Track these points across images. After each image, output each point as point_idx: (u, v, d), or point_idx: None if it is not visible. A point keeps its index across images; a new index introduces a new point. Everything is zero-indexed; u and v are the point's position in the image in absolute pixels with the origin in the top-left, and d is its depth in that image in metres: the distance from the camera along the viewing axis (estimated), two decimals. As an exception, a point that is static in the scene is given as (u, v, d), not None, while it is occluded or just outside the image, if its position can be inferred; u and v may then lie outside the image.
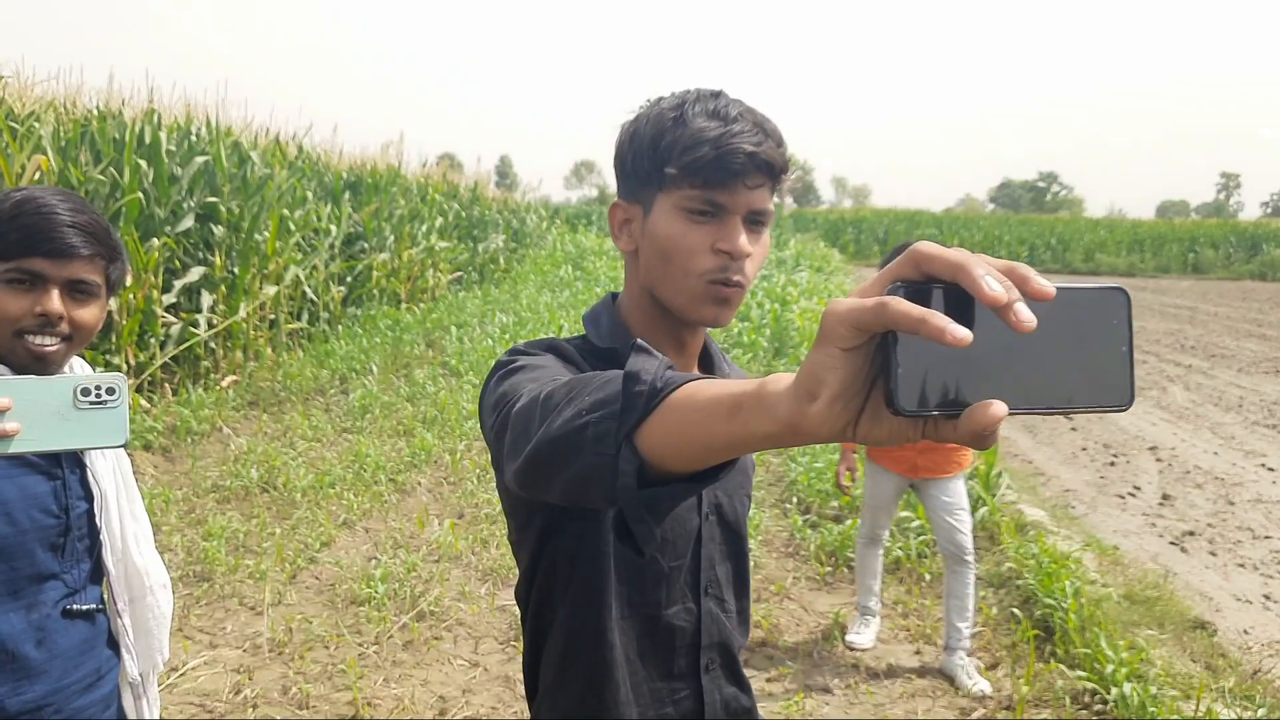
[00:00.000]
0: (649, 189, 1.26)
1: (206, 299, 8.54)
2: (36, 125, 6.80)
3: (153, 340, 7.69)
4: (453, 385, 8.88)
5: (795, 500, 6.03)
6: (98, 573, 1.60)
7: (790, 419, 0.63)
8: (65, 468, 1.54)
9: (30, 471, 1.49)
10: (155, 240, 7.68)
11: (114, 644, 1.63)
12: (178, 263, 8.42)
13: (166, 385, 8.00)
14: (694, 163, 1.20)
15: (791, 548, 5.39)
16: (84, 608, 1.55)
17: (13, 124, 6.63)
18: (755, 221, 1.25)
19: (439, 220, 15.86)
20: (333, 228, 11.49)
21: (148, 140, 8.09)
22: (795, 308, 13.11)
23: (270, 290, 9.50)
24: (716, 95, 1.26)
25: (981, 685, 3.92)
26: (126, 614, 1.63)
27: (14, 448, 1.11)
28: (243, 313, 8.98)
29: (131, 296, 7.28)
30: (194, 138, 9.02)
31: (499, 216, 20.99)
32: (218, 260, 8.71)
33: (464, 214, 18.05)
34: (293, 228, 10.24)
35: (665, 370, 0.81)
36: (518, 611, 3.98)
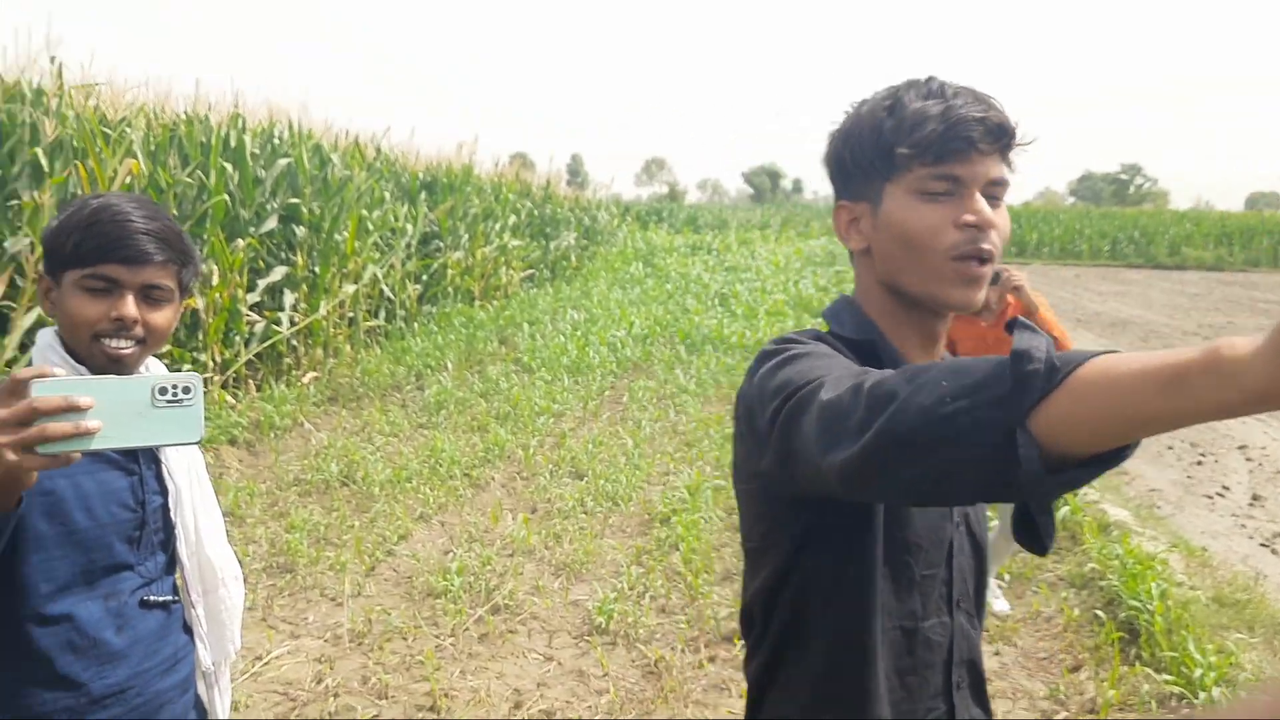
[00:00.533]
0: (875, 182, 1.23)
1: (289, 297, 8.75)
2: (128, 130, 7.03)
3: (237, 338, 7.90)
4: (525, 381, 8.96)
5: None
6: (171, 565, 1.66)
7: (1272, 384, 0.60)
8: (142, 463, 1.60)
9: (109, 467, 1.55)
10: (240, 241, 7.90)
11: (188, 631, 1.69)
12: (261, 262, 8.64)
13: (250, 381, 8.22)
14: (924, 139, 1.16)
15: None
16: (160, 599, 1.61)
17: (106, 129, 6.87)
18: (992, 196, 1.20)
19: (512, 218, 16.02)
20: (409, 227, 11.68)
21: (233, 144, 8.31)
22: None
23: (349, 289, 9.70)
24: (928, 80, 1.22)
25: (1002, 605, 4.20)
26: (200, 605, 1.69)
27: (96, 444, 1.15)
28: (323, 311, 9.19)
29: (218, 296, 7.49)
30: (277, 141, 9.25)
31: (570, 214, 21.12)
32: (299, 260, 8.92)
33: (536, 212, 18.20)
34: (371, 227, 10.44)
35: (1053, 348, 0.76)
36: (591, 605, 4.00)
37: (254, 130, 8.94)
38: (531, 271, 17.15)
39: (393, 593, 4.60)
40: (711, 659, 3.99)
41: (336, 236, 9.50)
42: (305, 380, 8.61)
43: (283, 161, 8.80)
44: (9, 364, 5.69)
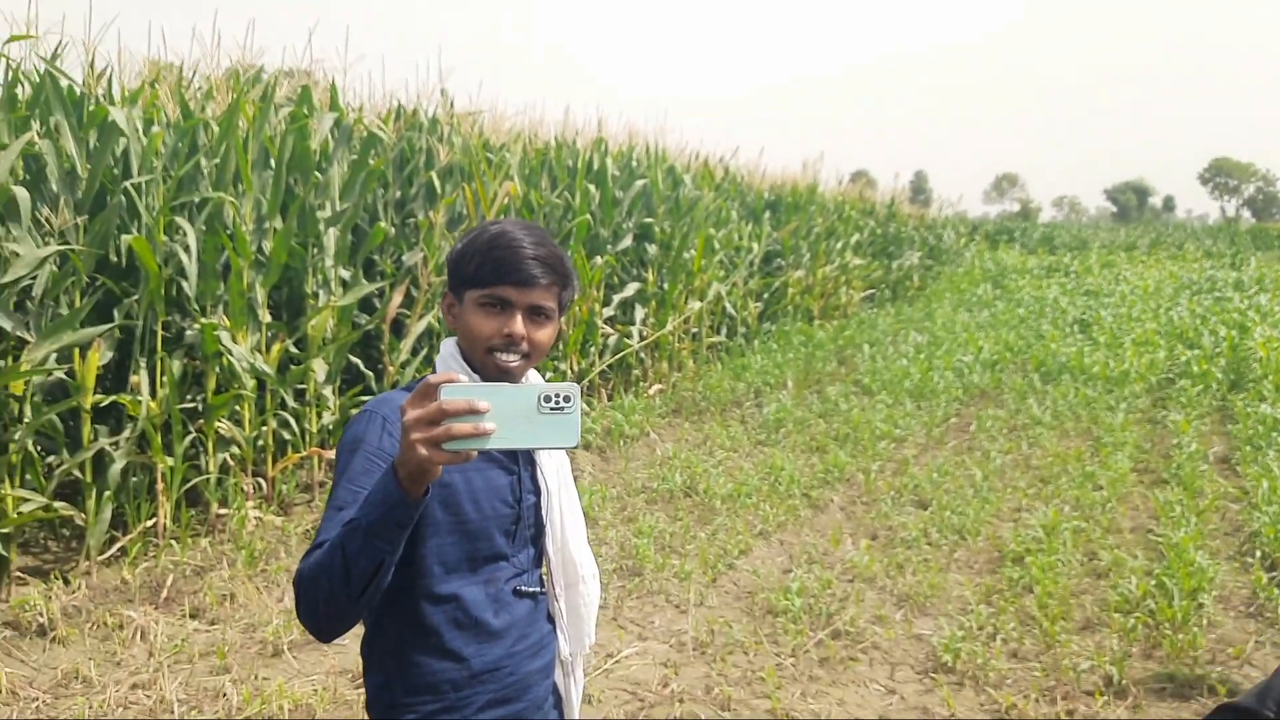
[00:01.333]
0: None
1: (639, 312, 9.17)
2: (507, 155, 7.68)
3: (593, 349, 8.38)
4: (865, 404, 8.79)
5: (1259, 554, 5.27)
6: (539, 559, 1.78)
7: None
8: (520, 465, 1.73)
9: (494, 466, 1.69)
10: (599, 258, 8.38)
11: (550, 622, 1.80)
12: (616, 279, 9.12)
13: (602, 390, 8.69)
14: None
15: (1254, 608, 4.71)
16: (530, 589, 1.73)
17: (489, 154, 7.54)
18: None
19: (854, 237, 15.83)
20: (754, 245, 11.87)
21: (596, 167, 8.85)
22: (1256, 334, 11.54)
23: (695, 305, 10.01)
24: None
25: None
26: (562, 598, 1.80)
27: (490, 445, 1.27)
28: (670, 326, 9.54)
29: (577, 310, 7.99)
30: (634, 163, 9.73)
31: (914, 233, 20.56)
32: (650, 277, 9.32)
33: (879, 231, 17.89)
34: (717, 246, 10.72)
35: None
36: (936, 641, 3.82)
37: (615, 154, 9.47)
38: (872, 291, 16.85)
39: (733, 605, 4.65)
40: (1070, 713, 3.67)
41: (685, 255, 9.83)
42: (651, 392, 8.97)
43: (639, 183, 9.24)
44: (402, 365, 6.38)
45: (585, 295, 8.09)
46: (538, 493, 1.75)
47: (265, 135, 5.63)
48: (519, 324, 1.63)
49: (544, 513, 1.75)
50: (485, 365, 1.65)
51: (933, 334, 12.79)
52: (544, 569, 1.80)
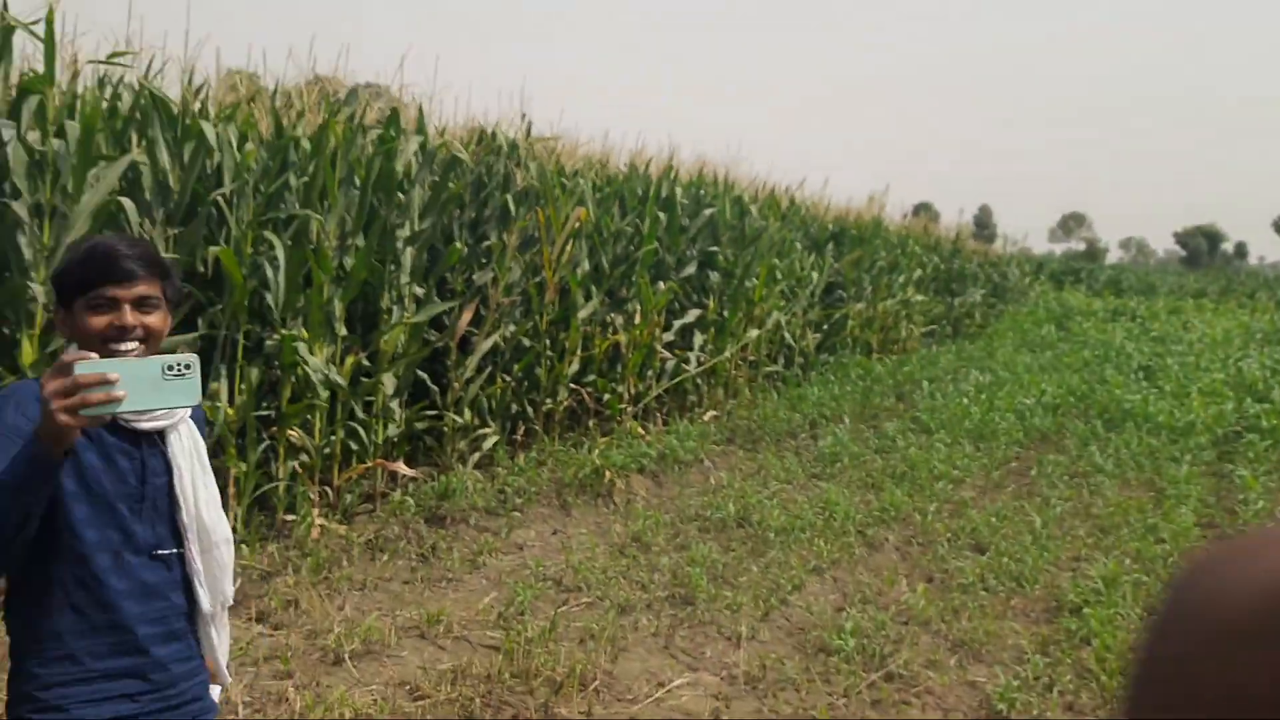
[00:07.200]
0: None
1: (698, 338, 9.23)
2: (580, 180, 7.80)
3: (650, 373, 8.45)
4: (923, 442, 8.74)
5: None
6: (175, 528, 1.98)
7: None
8: (144, 449, 1.93)
9: (118, 451, 1.89)
10: (662, 284, 8.46)
11: (189, 590, 2.01)
12: (678, 305, 9.19)
13: (658, 415, 8.75)
14: None
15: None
16: (164, 553, 1.95)
17: (563, 179, 7.67)
18: None
19: (917, 272, 15.75)
20: (814, 276, 11.88)
21: (665, 194, 8.94)
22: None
23: (753, 333, 10.05)
24: None
25: None
26: (199, 560, 2.00)
27: (123, 409, 1.57)
28: (728, 353, 9.59)
29: (638, 334, 8.07)
30: (702, 192, 9.81)
31: (978, 270, 20.37)
32: (711, 303, 9.38)
33: (943, 266, 17.76)
34: (779, 276, 10.75)
35: None
36: (990, 690, 3.78)
37: (684, 183, 9.56)
38: (933, 328, 16.73)
39: (785, 641, 4.67)
40: (1126, 775, 3.64)
41: (747, 283, 9.88)
42: (706, 418, 9.01)
43: (707, 212, 9.33)
44: (467, 381, 6.51)
45: (648, 320, 8.17)
46: (170, 471, 1.96)
47: (353, 155, 5.79)
48: (128, 315, 1.84)
49: (176, 489, 1.96)
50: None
51: (994, 373, 12.67)
52: (183, 535, 2.00)
